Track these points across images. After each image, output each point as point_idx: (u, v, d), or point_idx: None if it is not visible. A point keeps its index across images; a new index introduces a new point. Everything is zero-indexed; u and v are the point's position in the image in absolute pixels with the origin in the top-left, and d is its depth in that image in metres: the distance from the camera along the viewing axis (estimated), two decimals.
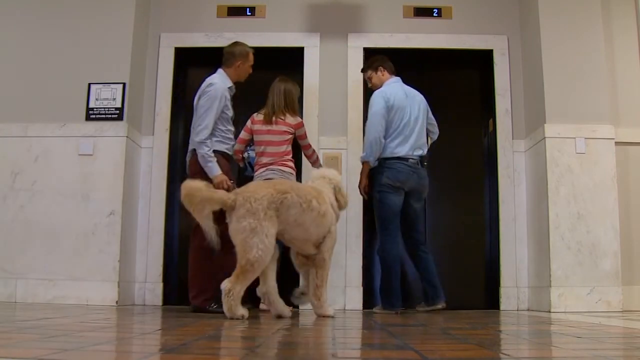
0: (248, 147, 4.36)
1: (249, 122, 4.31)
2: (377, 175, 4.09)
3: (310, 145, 4.37)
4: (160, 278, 4.74)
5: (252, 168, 4.34)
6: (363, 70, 4.49)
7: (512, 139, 4.88)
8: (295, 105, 4.30)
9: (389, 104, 4.07)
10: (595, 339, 2.24)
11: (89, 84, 4.58)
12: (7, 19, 4.74)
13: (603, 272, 4.24)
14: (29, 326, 2.40)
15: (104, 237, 4.36)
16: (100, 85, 4.57)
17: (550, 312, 4.15)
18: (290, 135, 4.24)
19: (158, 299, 4.70)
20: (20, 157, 4.49)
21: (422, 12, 5.07)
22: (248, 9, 5.07)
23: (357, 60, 4.99)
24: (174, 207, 4.96)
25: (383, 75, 4.30)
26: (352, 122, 4.92)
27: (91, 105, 4.56)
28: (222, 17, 5.07)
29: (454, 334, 2.46)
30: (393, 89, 4.17)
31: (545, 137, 4.41)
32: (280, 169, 4.16)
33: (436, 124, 4.37)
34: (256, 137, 4.26)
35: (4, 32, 4.73)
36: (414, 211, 4.20)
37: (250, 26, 5.04)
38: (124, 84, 4.57)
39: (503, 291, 4.69)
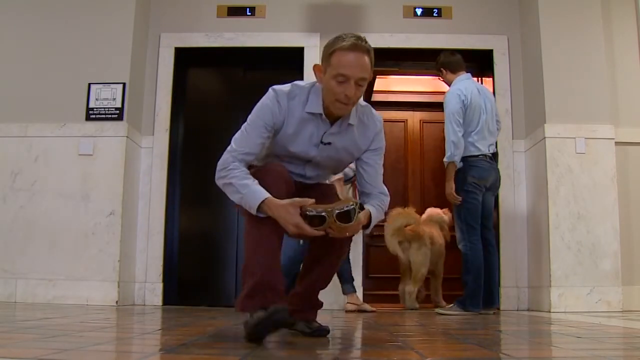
0: None
1: None
2: (460, 175, 4.06)
3: None
4: (160, 278, 4.73)
5: None
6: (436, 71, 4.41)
7: (512, 139, 4.87)
8: None
9: (465, 103, 4.07)
10: (595, 339, 2.24)
11: (89, 84, 4.57)
12: (6, 18, 4.73)
13: (603, 272, 4.24)
14: (29, 326, 2.40)
15: (104, 237, 4.35)
16: (100, 85, 4.57)
17: (550, 312, 4.14)
18: None
19: (158, 299, 4.70)
20: (20, 157, 4.48)
21: (422, 12, 5.07)
22: (248, 9, 5.06)
23: None
24: (174, 207, 4.96)
25: (447, 74, 4.29)
26: None
27: (91, 105, 4.55)
28: (222, 17, 5.06)
29: (454, 334, 2.46)
30: (467, 86, 4.14)
31: (545, 137, 4.41)
32: None
33: (500, 120, 4.41)
34: None
35: (4, 32, 4.72)
36: (489, 208, 4.21)
37: (250, 26, 5.03)
38: (124, 84, 4.57)
39: (503, 291, 4.68)
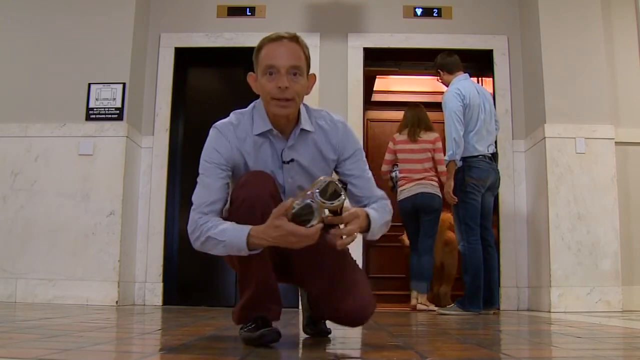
0: (394, 167, 4.73)
1: (390, 144, 4.75)
2: (459, 175, 4.05)
3: (442, 161, 4.46)
4: (160, 278, 4.73)
5: (396, 185, 4.68)
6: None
7: (512, 139, 4.88)
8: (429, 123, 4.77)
9: (465, 102, 4.07)
10: (595, 339, 2.24)
11: (89, 84, 4.57)
12: (6, 18, 4.74)
13: (603, 272, 4.24)
14: (29, 326, 2.40)
15: (104, 237, 4.35)
16: (100, 85, 4.57)
17: (550, 312, 4.14)
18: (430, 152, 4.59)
19: (158, 299, 4.70)
20: (20, 157, 4.48)
21: (422, 12, 5.07)
22: (248, 9, 5.06)
23: (357, 60, 4.99)
24: (174, 207, 4.96)
25: (445, 75, 4.30)
26: (352, 122, 4.91)
27: (91, 105, 4.55)
28: (222, 17, 5.07)
29: (454, 334, 2.47)
30: (465, 86, 4.14)
31: (545, 137, 4.41)
32: (431, 184, 4.53)
33: (498, 120, 4.42)
34: (401, 156, 4.67)
35: (4, 32, 4.72)
36: (488, 208, 4.21)
37: (250, 26, 5.03)
38: (124, 84, 4.57)
39: (503, 291, 4.68)
